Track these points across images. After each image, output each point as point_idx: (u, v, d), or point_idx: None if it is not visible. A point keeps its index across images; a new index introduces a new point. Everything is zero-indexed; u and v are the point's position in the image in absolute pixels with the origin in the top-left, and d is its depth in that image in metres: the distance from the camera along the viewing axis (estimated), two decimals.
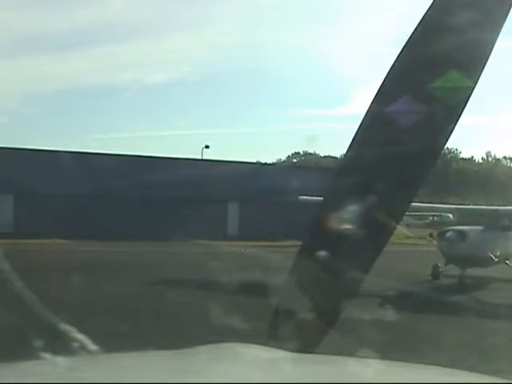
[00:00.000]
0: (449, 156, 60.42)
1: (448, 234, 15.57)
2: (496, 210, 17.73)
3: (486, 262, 15.30)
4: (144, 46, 68.32)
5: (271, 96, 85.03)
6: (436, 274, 15.62)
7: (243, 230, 30.43)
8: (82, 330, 3.25)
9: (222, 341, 2.38)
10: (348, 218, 2.35)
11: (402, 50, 2.39)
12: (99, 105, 71.83)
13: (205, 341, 2.32)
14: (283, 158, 68.61)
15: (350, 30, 77.43)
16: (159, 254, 20.06)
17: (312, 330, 2.51)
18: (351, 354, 2.67)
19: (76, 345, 2.95)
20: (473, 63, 2.32)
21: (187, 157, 36.24)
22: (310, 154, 66.07)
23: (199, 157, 38.22)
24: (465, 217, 17.31)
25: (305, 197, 20.51)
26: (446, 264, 15.27)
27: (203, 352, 2.17)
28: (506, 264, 16.10)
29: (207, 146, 39.46)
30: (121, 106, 72.76)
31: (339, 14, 78.43)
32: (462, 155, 64.68)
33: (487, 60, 2.32)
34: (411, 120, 2.37)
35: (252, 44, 76.48)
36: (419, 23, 2.33)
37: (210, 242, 23.19)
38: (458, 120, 2.35)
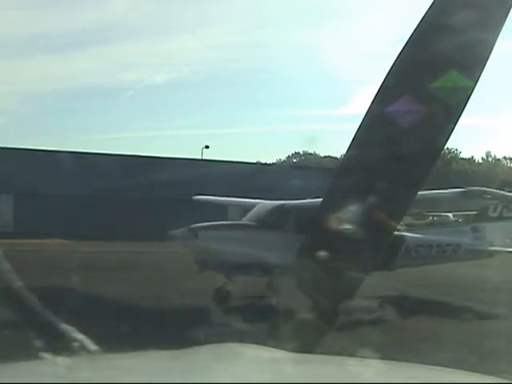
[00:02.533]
0: (449, 156, 60.41)
1: (178, 232, 11.90)
2: (280, 204, 12.86)
3: (241, 269, 10.95)
4: (144, 46, 68.29)
5: (271, 96, 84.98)
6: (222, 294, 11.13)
7: None
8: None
9: (222, 341, 2.38)
10: (348, 218, 2.35)
11: (403, 50, 2.39)
12: (99, 105, 71.78)
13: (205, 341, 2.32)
14: (283, 158, 68.65)
15: (350, 31, 77.50)
16: (156, 254, 20.08)
17: (312, 330, 2.52)
18: (351, 354, 2.67)
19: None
20: (473, 63, 2.33)
21: (187, 157, 36.25)
22: (310, 154, 66.05)
23: (199, 157, 38.23)
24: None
25: (200, 196, 17.57)
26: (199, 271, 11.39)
27: (203, 352, 2.17)
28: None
29: (207, 146, 39.43)
30: (121, 106, 72.73)
31: (339, 14, 78.45)
32: (462, 155, 64.74)
33: (487, 60, 2.33)
34: (411, 120, 2.38)
35: (252, 44, 76.52)
36: (419, 23, 2.34)
37: None
38: (458, 120, 2.36)
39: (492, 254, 14.14)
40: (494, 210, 15.34)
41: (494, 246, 14.34)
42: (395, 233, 12.86)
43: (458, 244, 13.87)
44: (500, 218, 15.24)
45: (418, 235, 13.73)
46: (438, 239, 13.80)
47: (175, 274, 14.33)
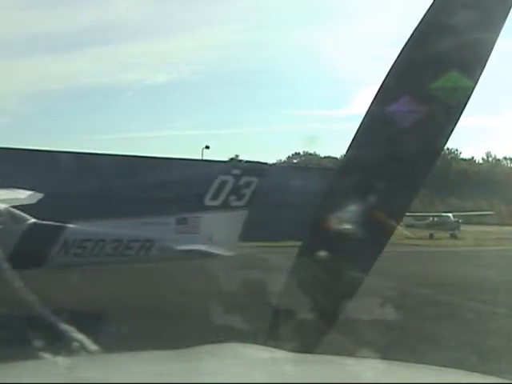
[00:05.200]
0: (449, 156, 60.48)
1: None
2: None
3: None
4: (144, 46, 68.43)
5: (271, 96, 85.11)
6: None
7: (243, 230, 30.40)
8: None
9: (222, 341, 2.38)
10: (348, 217, 2.35)
11: (403, 49, 2.39)
12: (100, 105, 71.93)
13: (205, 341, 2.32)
14: (283, 158, 68.67)
15: (350, 31, 77.63)
16: None
17: (312, 330, 2.51)
18: (351, 354, 2.67)
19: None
20: (473, 63, 2.32)
21: (187, 157, 36.28)
22: (311, 154, 66.06)
23: (199, 157, 38.21)
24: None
25: None
26: None
27: (203, 352, 2.16)
28: None
29: (207, 147, 39.40)
30: (121, 106, 72.84)
31: (339, 14, 78.57)
32: (463, 155, 64.82)
33: (487, 60, 2.32)
34: (411, 120, 2.37)
35: (252, 44, 76.60)
36: (419, 23, 2.33)
37: None
38: (458, 120, 2.35)
39: (207, 254, 11.12)
40: (215, 197, 12.01)
41: (214, 243, 11.35)
42: (51, 223, 10.71)
43: (150, 240, 11.05)
44: (224, 206, 12.03)
45: (86, 227, 11.13)
46: (117, 233, 10.99)
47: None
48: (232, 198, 12.20)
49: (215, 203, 12.10)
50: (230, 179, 12.18)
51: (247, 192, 12.35)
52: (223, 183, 12.16)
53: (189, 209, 12.32)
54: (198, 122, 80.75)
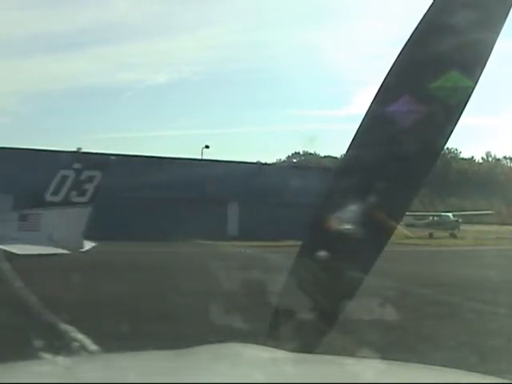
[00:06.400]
0: (449, 156, 60.57)
1: None
2: None
3: None
4: (144, 46, 68.61)
5: (271, 96, 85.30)
6: None
7: (243, 230, 30.42)
8: None
9: (222, 341, 2.38)
10: (348, 217, 2.35)
11: (403, 49, 2.39)
12: (100, 105, 72.14)
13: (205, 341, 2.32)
14: (283, 158, 68.76)
15: (350, 31, 77.69)
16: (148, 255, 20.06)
17: (312, 330, 2.51)
18: (351, 354, 2.67)
19: None
20: (473, 63, 2.32)
21: (187, 157, 36.27)
22: (310, 154, 66.15)
23: (199, 157, 38.20)
24: None
25: None
26: None
27: (203, 352, 2.16)
28: None
29: (207, 146, 39.40)
30: (121, 106, 72.98)
31: (339, 14, 78.65)
32: (462, 155, 64.92)
33: (487, 60, 2.32)
34: (411, 120, 2.37)
35: (252, 44, 76.74)
36: (419, 23, 2.33)
37: (207, 242, 23.21)
38: (458, 120, 2.35)
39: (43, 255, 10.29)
40: (56, 193, 11.34)
41: (55, 241, 10.65)
42: None
43: None
44: (66, 202, 11.40)
45: None
46: None
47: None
48: (74, 193, 11.67)
49: (56, 199, 11.55)
50: (71, 174, 11.67)
51: (90, 187, 11.86)
52: (64, 178, 11.59)
53: (30, 205, 11.76)
54: (198, 122, 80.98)
